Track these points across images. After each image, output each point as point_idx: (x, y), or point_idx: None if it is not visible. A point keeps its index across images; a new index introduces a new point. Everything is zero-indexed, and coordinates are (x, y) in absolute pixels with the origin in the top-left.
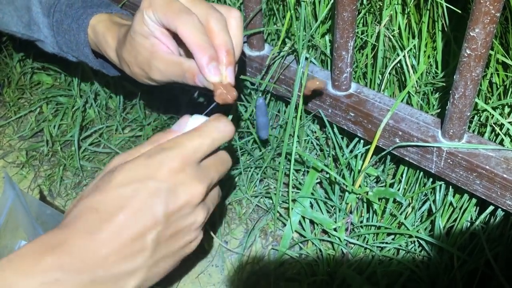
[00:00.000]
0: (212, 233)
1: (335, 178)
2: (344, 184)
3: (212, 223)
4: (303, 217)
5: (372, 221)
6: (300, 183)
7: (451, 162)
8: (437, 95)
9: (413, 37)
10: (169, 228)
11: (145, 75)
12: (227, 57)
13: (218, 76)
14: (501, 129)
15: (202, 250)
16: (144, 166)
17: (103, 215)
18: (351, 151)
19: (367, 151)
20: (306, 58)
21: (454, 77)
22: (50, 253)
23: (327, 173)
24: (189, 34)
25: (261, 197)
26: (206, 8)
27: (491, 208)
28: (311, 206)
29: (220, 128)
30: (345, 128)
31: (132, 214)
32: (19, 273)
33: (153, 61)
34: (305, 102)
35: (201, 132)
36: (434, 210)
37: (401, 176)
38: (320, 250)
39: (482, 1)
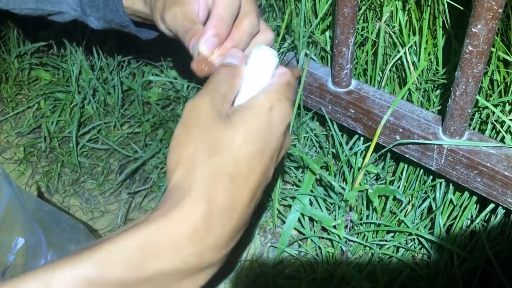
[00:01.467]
0: None
1: (334, 177)
2: (341, 187)
3: None
4: (303, 215)
5: (371, 219)
6: (299, 180)
7: (451, 160)
8: (437, 92)
9: (414, 34)
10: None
11: (161, 15)
12: (226, 46)
13: (209, 51)
14: (502, 127)
15: None
16: (268, 122)
17: (238, 180)
18: (350, 149)
19: (367, 148)
20: (306, 55)
21: (456, 73)
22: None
23: (326, 170)
24: (220, 6)
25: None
26: (252, 6)
27: (491, 206)
28: (311, 203)
29: (294, 80)
30: (345, 125)
31: (261, 176)
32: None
33: (175, 6)
34: None
35: (291, 86)
36: (434, 208)
37: (401, 173)
38: (320, 248)
39: None
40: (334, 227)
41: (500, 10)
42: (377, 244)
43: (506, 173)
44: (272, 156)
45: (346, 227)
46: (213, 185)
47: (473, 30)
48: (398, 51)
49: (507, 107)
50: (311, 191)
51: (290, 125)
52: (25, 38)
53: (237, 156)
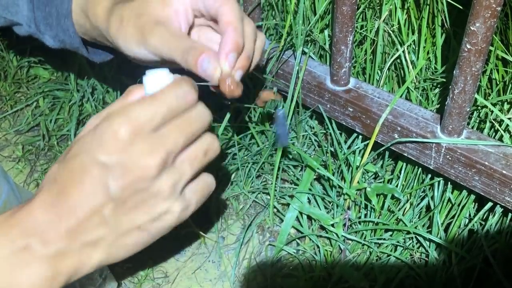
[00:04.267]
0: (201, 233)
1: (332, 175)
2: (338, 185)
3: (209, 219)
4: (301, 213)
5: (370, 217)
6: (297, 179)
7: (450, 158)
8: (436, 90)
9: (413, 33)
10: (126, 203)
11: (139, 36)
12: (244, 61)
13: (230, 69)
14: (500, 125)
15: (199, 246)
16: (93, 137)
17: (60, 187)
18: (349, 147)
19: (365, 147)
20: (305, 53)
21: (454, 72)
22: (17, 224)
23: (325, 168)
24: (230, 14)
25: (259, 193)
26: (243, 14)
27: (489, 204)
28: (309, 201)
29: (180, 96)
30: (344, 123)
31: (85, 189)
32: None
33: (159, 26)
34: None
35: (156, 98)
36: (432, 207)
37: (400, 172)
38: (318, 246)
39: None
40: (332, 225)
41: (499, 9)
42: (375, 243)
43: (504, 172)
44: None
45: (344, 225)
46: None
47: (472, 28)
48: (397, 50)
49: (506, 106)
50: (310, 189)
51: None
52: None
53: (62, 164)
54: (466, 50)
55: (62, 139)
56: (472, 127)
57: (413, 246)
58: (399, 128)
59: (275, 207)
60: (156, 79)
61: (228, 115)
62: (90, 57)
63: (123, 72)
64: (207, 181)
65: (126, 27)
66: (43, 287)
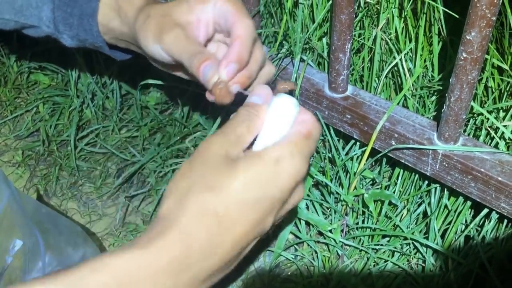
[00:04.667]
0: None
1: (330, 182)
2: (336, 192)
3: None
4: (299, 219)
5: (367, 223)
6: None
7: (446, 165)
8: (433, 98)
9: (410, 41)
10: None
11: (157, 33)
12: (245, 78)
13: (229, 78)
14: (496, 133)
15: None
16: (273, 174)
17: (225, 223)
18: (347, 154)
19: (363, 153)
20: (303, 60)
21: (450, 80)
22: (171, 266)
23: (323, 174)
24: (243, 30)
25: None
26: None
27: (485, 211)
28: (307, 207)
29: (318, 130)
30: (342, 130)
31: (253, 226)
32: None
33: (177, 28)
34: None
35: (311, 138)
36: (429, 213)
37: (397, 178)
38: (316, 252)
39: (478, 5)
40: (330, 231)
41: (494, 18)
42: (372, 249)
43: (500, 178)
44: (272, 208)
45: (342, 231)
46: (198, 221)
47: (467, 37)
48: (394, 58)
49: (501, 114)
50: (308, 195)
51: (303, 180)
52: (24, 41)
53: (231, 199)
54: (462, 58)
55: (62, 144)
56: (468, 134)
57: (410, 252)
58: (396, 135)
59: None
60: (283, 105)
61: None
62: (112, 54)
63: (123, 78)
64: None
65: (149, 24)
66: None
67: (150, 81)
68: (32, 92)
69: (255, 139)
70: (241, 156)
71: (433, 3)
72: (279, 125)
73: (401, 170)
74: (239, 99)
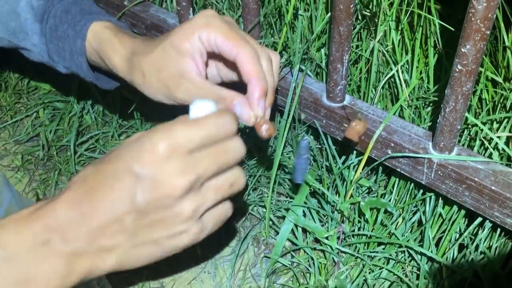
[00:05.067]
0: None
1: (327, 190)
2: (333, 201)
3: None
4: (296, 226)
5: (363, 231)
6: (294, 192)
7: (441, 174)
8: (428, 109)
9: (406, 53)
10: (148, 216)
11: (165, 91)
12: (270, 97)
13: (263, 112)
14: (490, 143)
15: (194, 257)
16: (132, 148)
17: (88, 189)
18: (343, 162)
19: (359, 162)
20: (302, 70)
21: (446, 91)
22: (41, 219)
23: (320, 183)
24: (249, 63)
25: (255, 206)
26: (256, 45)
27: (479, 219)
28: (304, 215)
29: (221, 125)
30: (339, 138)
31: (112, 195)
32: (12, 233)
33: (183, 80)
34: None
35: (198, 123)
36: (424, 221)
37: (392, 187)
38: (312, 259)
39: (473, 19)
40: (327, 238)
41: (488, 32)
42: (368, 256)
43: (493, 188)
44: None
45: (338, 238)
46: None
47: (463, 50)
48: (391, 69)
49: (495, 125)
50: (305, 203)
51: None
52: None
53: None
54: (457, 70)
55: (62, 149)
56: (463, 145)
57: (405, 260)
58: (392, 144)
59: (270, 219)
60: (202, 108)
61: None
62: (102, 86)
63: (124, 84)
64: (225, 208)
65: (150, 82)
66: (57, 283)
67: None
68: (33, 97)
69: None
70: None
71: (429, 16)
72: None
73: (397, 179)
74: None
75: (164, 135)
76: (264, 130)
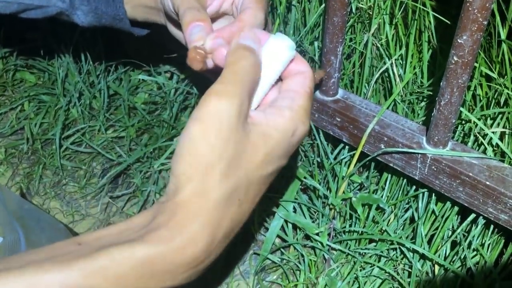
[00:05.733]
0: None
1: (318, 186)
2: (324, 195)
3: None
4: (286, 222)
5: (354, 227)
6: (284, 188)
7: (435, 169)
8: (422, 104)
9: (400, 47)
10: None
11: None
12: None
13: (210, 50)
14: (484, 139)
15: None
16: (289, 144)
17: (245, 205)
18: (335, 157)
19: (351, 158)
20: None
21: (441, 84)
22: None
23: (312, 178)
24: (249, 20)
25: None
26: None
27: (472, 216)
28: (294, 210)
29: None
30: (331, 133)
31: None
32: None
33: None
34: None
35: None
36: (416, 218)
37: (385, 183)
38: (302, 255)
39: (470, 9)
40: (317, 234)
41: (485, 23)
42: (359, 253)
43: (488, 183)
44: (279, 169)
45: (329, 235)
46: (223, 211)
47: (459, 41)
48: (385, 63)
49: (489, 121)
50: (296, 198)
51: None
52: (11, 38)
53: (251, 180)
54: (453, 62)
55: (47, 143)
56: (457, 141)
57: (397, 257)
58: (385, 139)
59: (260, 215)
60: (276, 47)
61: None
62: (131, 29)
63: (111, 78)
64: None
65: None
66: None
67: (141, 76)
68: (18, 90)
69: None
70: (254, 122)
71: (424, 8)
72: (276, 69)
73: (389, 175)
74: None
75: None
76: (195, 53)
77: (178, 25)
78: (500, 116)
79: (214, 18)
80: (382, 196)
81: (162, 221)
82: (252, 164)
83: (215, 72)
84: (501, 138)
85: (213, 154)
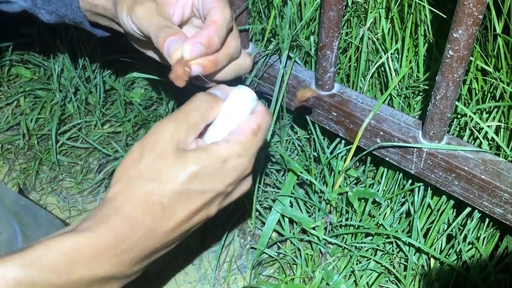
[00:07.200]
0: None
1: (314, 180)
2: (320, 189)
3: None
4: (283, 216)
5: (351, 221)
6: (280, 183)
7: (430, 163)
8: (418, 98)
9: (396, 42)
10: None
11: (130, 7)
12: (210, 63)
13: (191, 57)
14: (479, 133)
15: (179, 248)
16: (220, 171)
17: (168, 211)
18: (331, 152)
19: (347, 152)
20: (290, 58)
21: (437, 78)
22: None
23: (307, 173)
24: (220, 19)
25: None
26: (237, 31)
27: (468, 210)
28: (291, 205)
29: (267, 123)
30: (327, 127)
31: (195, 214)
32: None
33: (150, 3)
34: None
35: (260, 133)
36: (412, 212)
37: (381, 177)
38: (299, 250)
39: (466, 3)
40: (314, 228)
41: (480, 17)
42: (355, 247)
43: (483, 177)
44: (215, 199)
45: (325, 229)
46: (144, 209)
47: (454, 35)
48: (381, 57)
49: (484, 115)
50: (292, 193)
51: (249, 174)
52: (6, 33)
53: (176, 190)
54: (449, 56)
55: (43, 138)
56: (452, 135)
57: (393, 251)
58: (381, 133)
59: (257, 210)
60: (240, 96)
61: None
62: (93, 31)
63: (107, 73)
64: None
65: None
66: None
67: (135, 74)
68: (13, 85)
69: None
70: (192, 146)
71: (420, 2)
72: (233, 117)
73: (385, 169)
74: (202, 90)
75: (245, 161)
76: (177, 68)
77: (141, 42)
78: (495, 110)
79: (180, 26)
80: (378, 190)
81: (91, 214)
82: (178, 176)
83: (197, 78)
84: (497, 132)
85: (142, 164)
